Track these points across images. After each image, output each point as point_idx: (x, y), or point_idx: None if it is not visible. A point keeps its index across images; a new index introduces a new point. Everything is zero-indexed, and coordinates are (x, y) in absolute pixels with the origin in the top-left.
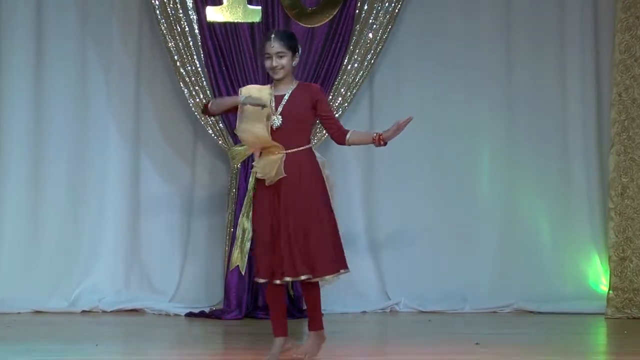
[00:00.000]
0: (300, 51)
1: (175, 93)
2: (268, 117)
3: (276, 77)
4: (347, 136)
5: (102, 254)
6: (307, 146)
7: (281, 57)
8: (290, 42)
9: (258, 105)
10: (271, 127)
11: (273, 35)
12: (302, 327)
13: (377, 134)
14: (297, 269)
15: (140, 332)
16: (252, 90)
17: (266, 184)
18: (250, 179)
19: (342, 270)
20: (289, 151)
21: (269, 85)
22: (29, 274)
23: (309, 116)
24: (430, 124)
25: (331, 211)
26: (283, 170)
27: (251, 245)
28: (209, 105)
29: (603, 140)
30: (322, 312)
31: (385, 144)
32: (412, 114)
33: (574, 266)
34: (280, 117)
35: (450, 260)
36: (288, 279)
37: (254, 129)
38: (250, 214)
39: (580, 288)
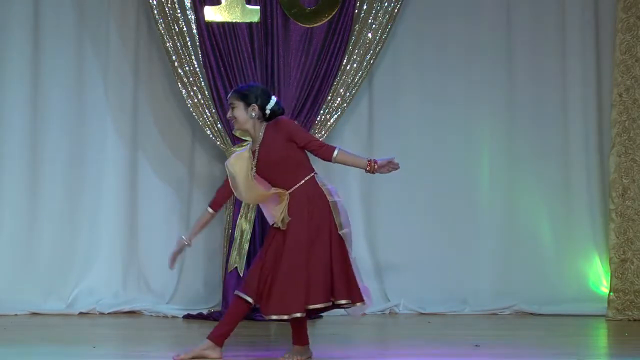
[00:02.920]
0: (258, 102)
1: (173, 93)
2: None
3: (234, 128)
4: (334, 154)
5: (100, 256)
6: (308, 177)
7: (233, 108)
8: (240, 94)
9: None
10: (268, 176)
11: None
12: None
13: (371, 161)
14: (288, 307)
15: (137, 334)
16: (232, 161)
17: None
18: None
19: (359, 302)
20: (291, 190)
21: (247, 147)
22: (26, 275)
23: (291, 151)
24: (430, 124)
25: (341, 240)
26: (287, 215)
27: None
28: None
29: (604, 141)
30: (322, 314)
31: (374, 172)
32: (411, 114)
33: (575, 268)
34: (255, 169)
35: (450, 261)
36: (275, 317)
37: (252, 193)
38: (250, 216)
39: (581, 290)
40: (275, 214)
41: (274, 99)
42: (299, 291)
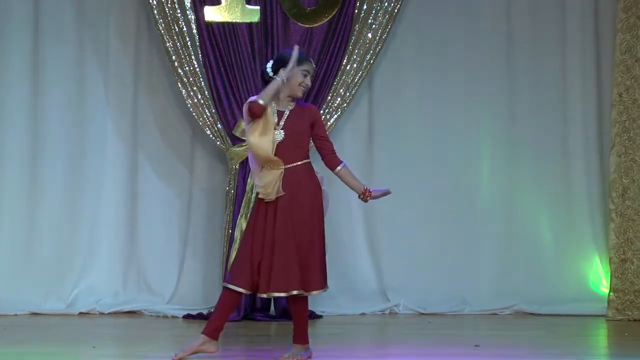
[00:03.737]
0: None
1: (173, 93)
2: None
3: (300, 94)
4: (338, 168)
5: (100, 256)
6: (306, 160)
7: (311, 80)
8: None
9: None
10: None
11: (311, 60)
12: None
13: (367, 189)
14: (289, 284)
15: (137, 334)
16: (269, 111)
17: (265, 201)
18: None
19: (326, 287)
20: (288, 166)
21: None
22: (25, 275)
23: (308, 133)
24: (430, 124)
25: (323, 228)
26: (281, 189)
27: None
28: (259, 103)
29: (604, 141)
30: (322, 313)
31: (366, 201)
32: (411, 114)
33: (575, 268)
34: (282, 131)
35: (450, 261)
36: (276, 294)
37: (263, 143)
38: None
39: (581, 290)
40: (267, 182)
41: None
42: (295, 271)
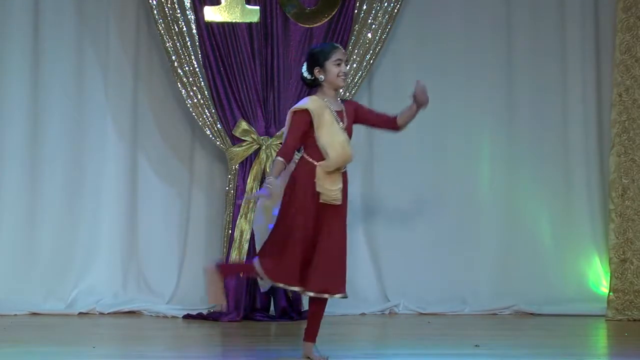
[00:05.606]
0: None
1: (173, 93)
2: None
3: (343, 84)
4: (398, 120)
5: (99, 256)
6: None
7: (347, 64)
8: None
9: None
10: None
11: (339, 45)
12: (300, 330)
13: (413, 103)
14: (339, 285)
15: (137, 334)
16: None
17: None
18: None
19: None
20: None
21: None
22: (25, 275)
23: (352, 130)
24: (430, 125)
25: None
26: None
27: (265, 246)
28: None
29: (603, 141)
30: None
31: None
32: None
33: (575, 268)
34: (345, 132)
35: (450, 261)
36: (311, 294)
37: (343, 146)
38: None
39: (581, 290)
40: (340, 186)
41: None
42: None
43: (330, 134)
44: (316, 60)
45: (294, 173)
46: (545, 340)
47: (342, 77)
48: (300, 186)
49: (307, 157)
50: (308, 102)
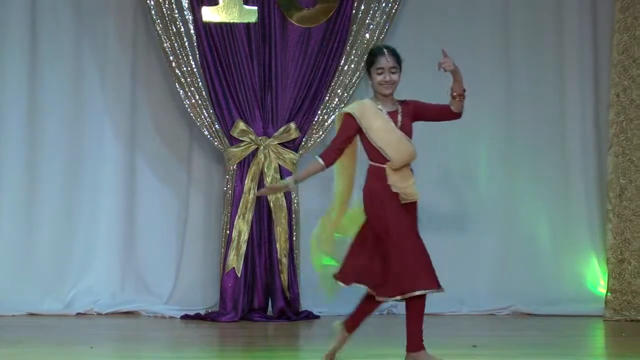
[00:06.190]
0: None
1: (171, 94)
2: None
3: (386, 92)
4: (451, 107)
5: (97, 256)
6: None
7: (394, 72)
8: (400, 58)
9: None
10: None
11: (386, 51)
12: (298, 330)
13: (453, 89)
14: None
15: (135, 335)
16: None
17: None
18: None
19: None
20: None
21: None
22: (23, 275)
23: (412, 131)
24: (428, 124)
25: None
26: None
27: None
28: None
29: (601, 142)
30: (320, 314)
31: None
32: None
33: (572, 268)
34: (400, 132)
35: (448, 262)
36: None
37: (400, 145)
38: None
39: (579, 290)
40: (412, 181)
41: None
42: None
43: (385, 133)
44: (366, 64)
45: (366, 187)
46: (543, 341)
47: (385, 85)
48: (375, 197)
49: (373, 163)
50: (353, 105)
